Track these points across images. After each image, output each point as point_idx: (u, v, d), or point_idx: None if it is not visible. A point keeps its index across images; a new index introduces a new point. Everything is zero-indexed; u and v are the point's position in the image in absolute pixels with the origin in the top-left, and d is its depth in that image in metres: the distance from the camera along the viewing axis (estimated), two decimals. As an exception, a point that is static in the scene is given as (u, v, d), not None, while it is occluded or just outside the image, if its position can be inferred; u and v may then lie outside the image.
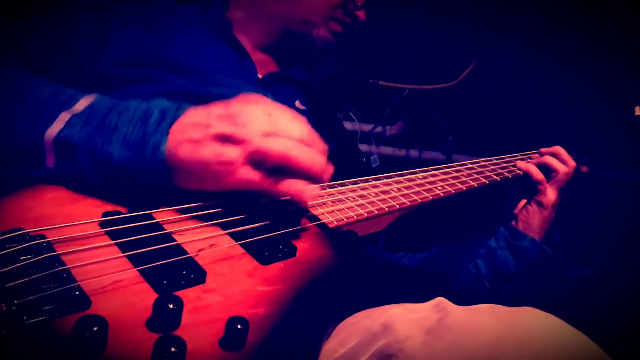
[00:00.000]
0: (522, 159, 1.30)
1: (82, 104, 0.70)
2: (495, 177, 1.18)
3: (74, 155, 0.66)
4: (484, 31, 2.22)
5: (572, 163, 1.24)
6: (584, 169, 1.39)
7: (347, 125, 2.32)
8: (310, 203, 0.74)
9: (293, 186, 0.69)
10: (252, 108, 0.68)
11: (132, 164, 0.66)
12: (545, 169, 1.23)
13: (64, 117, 0.67)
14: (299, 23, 1.20)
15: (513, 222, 1.22)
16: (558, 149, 1.27)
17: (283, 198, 0.73)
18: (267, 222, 0.73)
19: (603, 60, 2.13)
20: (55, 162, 0.67)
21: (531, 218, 1.20)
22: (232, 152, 0.65)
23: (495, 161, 1.27)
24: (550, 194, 1.21)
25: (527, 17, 2.17)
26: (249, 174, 0.66)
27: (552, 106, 2.26)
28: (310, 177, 0.70)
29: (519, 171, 1.23)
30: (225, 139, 0.65)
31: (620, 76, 2.11)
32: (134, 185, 0.67)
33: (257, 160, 0.66)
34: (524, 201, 1.24)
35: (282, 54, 1.26)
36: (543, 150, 1.31)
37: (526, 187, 1.23)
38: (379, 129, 2.43)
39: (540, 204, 1.20)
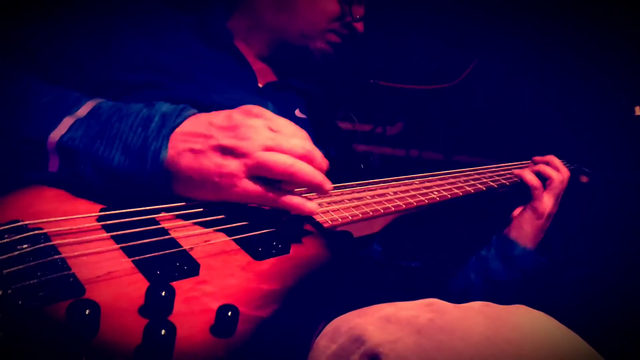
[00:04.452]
0: (519, 168, 1.30)
1: (85, 108, 0.70)
2: (492, 184, 1.18)
3: (77, 160, 0.67)
4: (484, 31, 2.22)
5: (565, 170, 1.24)
6: (584, 179, 1.39)
7: (347, 125, 2.32)
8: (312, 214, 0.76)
9: (294, 200, 0.72)
10: (254, 121, 0.69)
11: (133, 170, 0.66)
12: (540, 177, 1.23)
13: (67, 122, 0.68)
14: (296, 36, 1.20)
15: (506, 230, 1.21)
16: (551, 157, 1.27)
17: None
18: (261, 219, 0.74)
19: (602, 60, 2.13)
20: (60, 167, 0.68)
21: (525, 225, 1.19)
22: (233, 165, 0.67)
23: (493, 168, 1.28)
24: (546, 202, 1.20)
25: (527, 17, 2.17)
26: (250, 187, 0.68)
27: (552, 106, 2.26)
28: (311, 189, 0.73)
29: (516, 178, 1.23)
30: (227, 151, 0.67)
31: (620, 76, 2.11)
32: (134, 191, 0.68)
33: (258, 173, 0.68)
34: (519, 209, 1.23)
35: (281, 65, 1.27)
36: (536, 158, 1.30)
37: (522, 195, 1.22)
38: (379, 129, 2.43)
39: (535, 211, 1.19)
